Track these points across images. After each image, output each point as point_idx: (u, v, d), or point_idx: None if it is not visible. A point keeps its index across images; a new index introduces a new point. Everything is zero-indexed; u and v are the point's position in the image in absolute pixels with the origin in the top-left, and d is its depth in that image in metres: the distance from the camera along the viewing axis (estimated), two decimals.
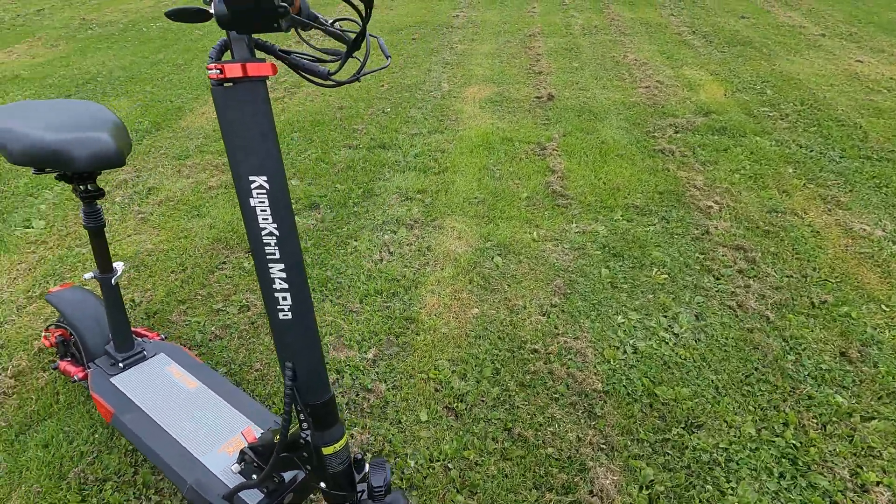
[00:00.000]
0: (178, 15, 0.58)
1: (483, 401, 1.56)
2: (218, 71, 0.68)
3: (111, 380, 1.35)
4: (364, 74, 0.80)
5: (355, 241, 2.24)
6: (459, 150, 2.94)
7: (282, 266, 0.79)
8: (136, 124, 3.27)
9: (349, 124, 3.26)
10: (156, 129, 3.24)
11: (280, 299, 0.81)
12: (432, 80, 3.94)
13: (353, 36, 0.79)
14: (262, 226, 0.76)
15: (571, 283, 2.00)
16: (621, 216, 2.37)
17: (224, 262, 2.13)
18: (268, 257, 0.78)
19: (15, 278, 2.05)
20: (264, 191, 0.75)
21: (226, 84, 0.69)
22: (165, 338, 1.57)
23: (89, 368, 1.39)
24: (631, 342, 1.74)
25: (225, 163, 2.85)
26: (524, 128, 3.18)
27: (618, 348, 1.72)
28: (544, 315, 1.85)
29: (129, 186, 2.66)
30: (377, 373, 1.65)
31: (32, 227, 2.34)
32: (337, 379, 1.63)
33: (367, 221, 2.36)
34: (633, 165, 2.76)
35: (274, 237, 0.77)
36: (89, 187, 1.20)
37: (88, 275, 1.30)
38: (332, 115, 3.40)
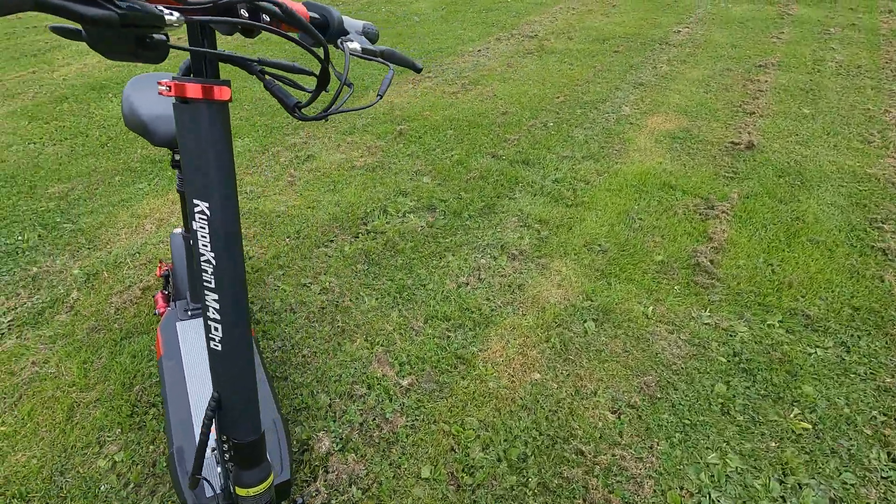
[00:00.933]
0: (59, 31, 0.54)
1: (493, 484, 1.34)
2: (167, 88, 0.63)
3: (176, 324, 1.51)
4: (333, 113, 0.69)
5: (451, 255, 2.15)
6: (607, 185, 2.59)
7: (215, 297, 0.74)
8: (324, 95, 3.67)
9: (503, 132, 3.14)
10: None
11: (212, 328, 0.76)
12: (615, 100, 3.56)
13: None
14: (201, 251, 0.72)
15: (668, 385, 1.60)
16: (779, 323, 1.81)
17: (331, 241, 2.24)
18: (204, 284, 0.74)
19: (163, 218, 2.47)
20: (205, 217, 0.69)
21: (182, 102, 0.65)
22: None
23: (170, 307, 1.59)
24: (715, 495, 1.31)
25: (377, 145, 3.00)
26: (697, 176, 2.66)
27: (691, 496, 1.31)
28: (614, 413, 1.52)
29: (295, 150, 2.99)
30: (403, 404, 1.56)
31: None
32: (364, 394, 1.58)
33: (473, 239, 2.24)
34: (829, 259, 2.08)
35: (210, 266, 0.72)
36: None
37: (177, 230, 1.46)
38: (493, 119, 3.31)
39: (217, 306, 0.74)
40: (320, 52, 0.65)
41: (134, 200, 2.53)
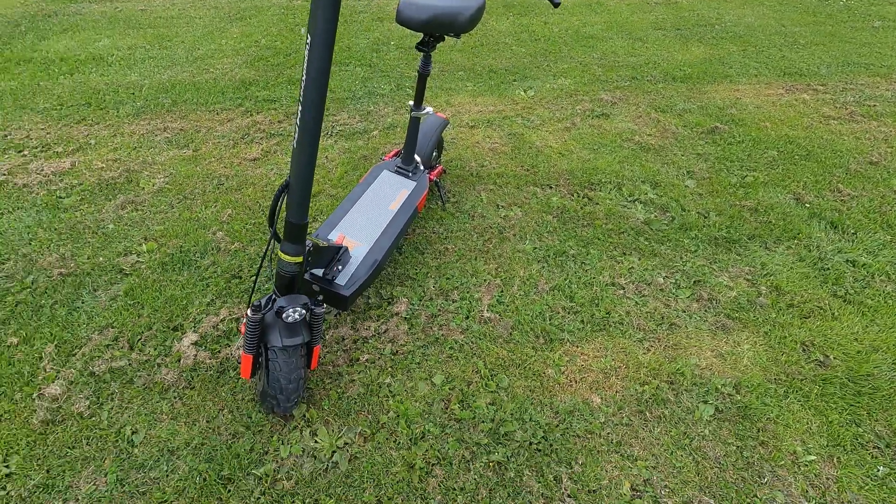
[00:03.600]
0: None
1: None
2: None
3: (384, 170, 1.97)
4: None
5: None
6: None
7: (301, 111, 1.02)
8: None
9: None
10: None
11: (295, 132, 1.06)
12: None
13: None
14: (303, 75, 0.99)
15: None
16: None
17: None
18: (299, 98, 1.02)
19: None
20: (307, 48, 0.96)
21: None
22: (437, 181, 2.06)
23: (390, 158, 2.05)
24: None
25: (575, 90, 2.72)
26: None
27: None
28: None
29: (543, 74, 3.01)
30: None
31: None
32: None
33: None
34: None
35: (302, 86, 1.00)
36: (434, 44, 1.64)
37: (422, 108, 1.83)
38: None
39: (300, 119, 1.03)
40: None
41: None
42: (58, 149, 2.54)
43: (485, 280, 1.82)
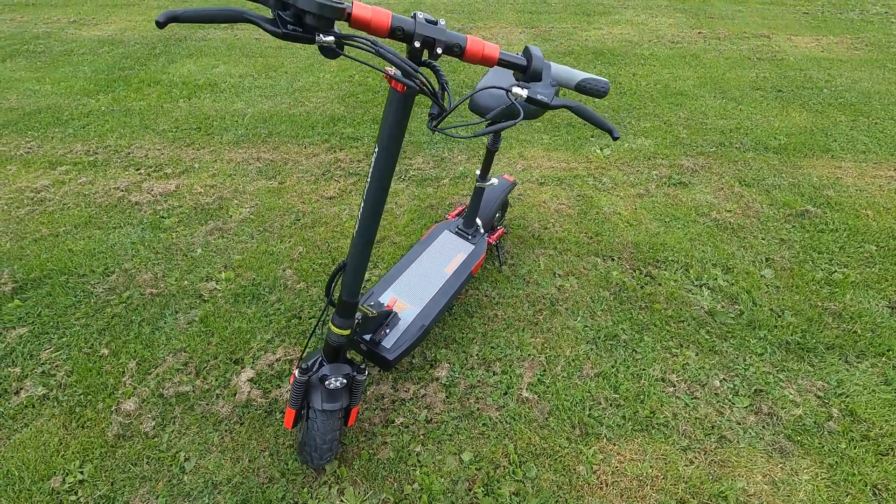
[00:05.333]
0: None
1: None
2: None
3: (445, 230, 2.03)
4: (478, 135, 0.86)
5: None
6: None
7: (363, 205, 1.10)
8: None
9: None
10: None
11: (357, 220, 1.14)
12: None
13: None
14: (368, 174, 1.08)
15: None
16: None
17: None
18: (364, 194, 1.10)
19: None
20: (374, 156, 1.04)
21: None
22: (497, 243, 2.10)
23: (453, 219, 2.12)
24: None
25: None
26: None
27: None
28: None
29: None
30: None
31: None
32: None
33: None
34: None
35: (366, 186, 1.08)
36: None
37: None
38: None
39: (360, 213, 1.12)
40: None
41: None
42: (167, 170, 2.88)
43: (529, 355, 1.81)
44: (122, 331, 1.89)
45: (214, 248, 2.31)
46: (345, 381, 1.31)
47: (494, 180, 1.90)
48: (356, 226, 1.16)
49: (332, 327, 1.30)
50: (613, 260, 2.25)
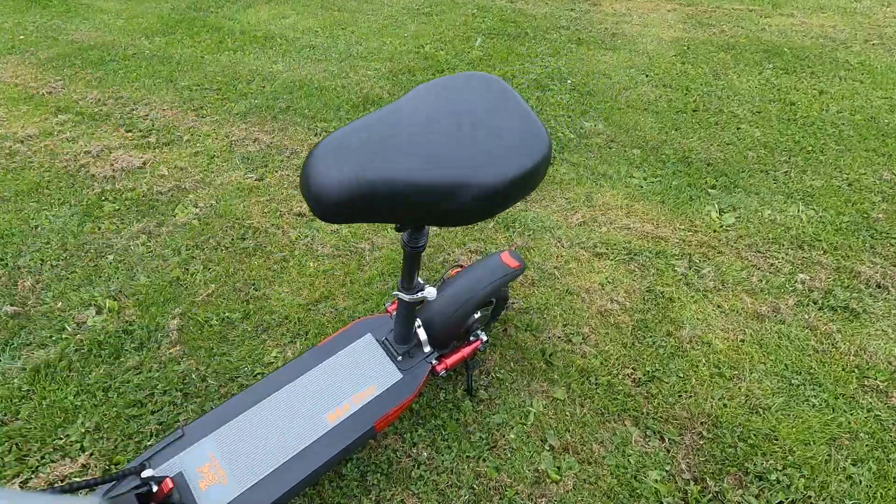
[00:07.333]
0: None
1: None
2: None
3: (370, 337, 1.25)
4: None
5: None
6: None
7: None
8: None
9: None
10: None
11: None
12: None
13: None
14: None
15: None
16: None
17: None
18: None
19: None
20: None
21: None
22: (469, 361, 1.25)
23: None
24: None
25: None
26: None
27: None
28: None
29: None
30: None
31: None
32: None
33: None
34: None
35: None
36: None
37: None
38: None
39: None
40: None
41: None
42: (152, 138, 2.43)
43: None
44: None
45: (126, 259, 1.80)
46: None
47: (431, 290, 1.04)
48: None
49: None
50: (663, 438, 1.28)
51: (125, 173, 2.20)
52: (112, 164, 2.24)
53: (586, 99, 2.68)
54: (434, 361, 1.22)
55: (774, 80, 2.84)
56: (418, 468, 1.22)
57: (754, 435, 1.28)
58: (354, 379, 1.16)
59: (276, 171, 2.22)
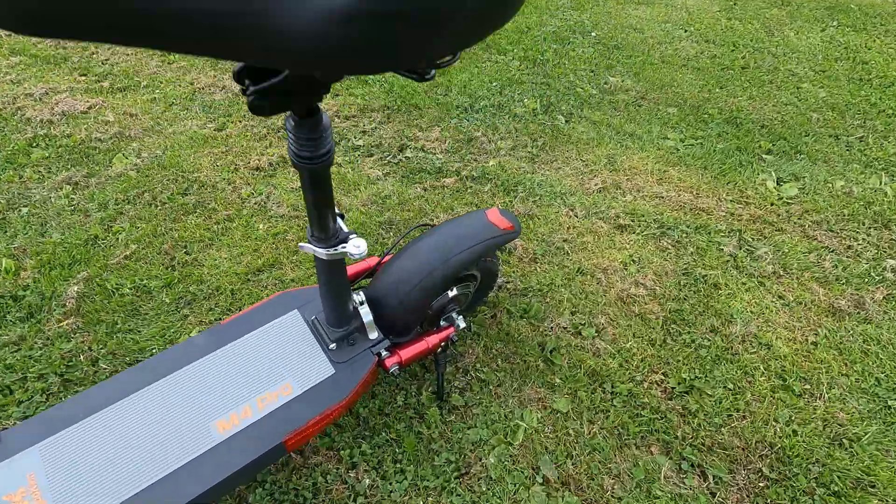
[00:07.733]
0: None
1: None
2: None
3: (297, 314, 0.90)
4: None
5: None
6: None
7: None
8: None
9: None
10: None
11: None
12: None
13: None
14: None
15: None
16: None
17: None
18: None
19: None
20: None
21: None
22: (440, 352, 0.90)
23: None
24: None
25: None
26: None
27: None
28: None
29: None
30: None
31: None
32: None
33: None
34: None
35: None
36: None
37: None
38: None
39: None
40: None
41: None
42: (106, 83, 2.11)
43: None
44: None
45: (41, 212, 1.48)
46: None
47: (357, 243, 0.68)
48: None
49: None
50: (705, 476, 0.91)
51: (65, 118, 1.88)
52: (52, 108, 1.93)
53: (613, 53, 2.28)
54: (384, 353, 0.87)
55: (840, 38, 2.39)
56: (354, 501, 0.87)
57: (839, 478, 0.90)
58: (264, 373, 0.81)
59: (240, 122, 1.88)
